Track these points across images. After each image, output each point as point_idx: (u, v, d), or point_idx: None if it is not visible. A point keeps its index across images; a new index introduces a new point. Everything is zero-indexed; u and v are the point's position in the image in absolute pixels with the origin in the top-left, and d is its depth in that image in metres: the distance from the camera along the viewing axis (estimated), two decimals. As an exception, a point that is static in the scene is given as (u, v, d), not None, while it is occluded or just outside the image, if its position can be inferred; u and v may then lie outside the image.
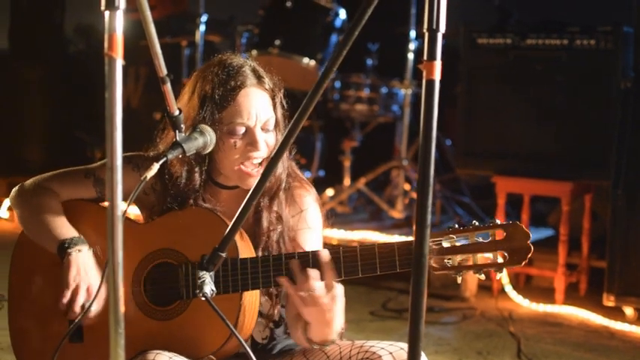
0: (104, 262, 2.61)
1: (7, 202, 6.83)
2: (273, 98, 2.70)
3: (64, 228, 2.69)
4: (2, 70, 8.15)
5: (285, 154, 2.72)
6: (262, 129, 2.65)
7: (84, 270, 2.63)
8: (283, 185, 2.76)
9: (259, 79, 2.68)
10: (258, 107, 2.64)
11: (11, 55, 8.28)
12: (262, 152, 2.64)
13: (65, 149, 8.10)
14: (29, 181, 2.82)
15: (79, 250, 2.64)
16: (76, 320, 2.58)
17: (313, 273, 2.43)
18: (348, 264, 2.47)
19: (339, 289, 2.45)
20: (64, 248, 2.63)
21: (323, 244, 2.85)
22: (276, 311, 2.79)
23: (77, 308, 2.60)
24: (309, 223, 2.79)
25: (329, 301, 2.43)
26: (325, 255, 2.44)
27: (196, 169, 2.68)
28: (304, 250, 2.69)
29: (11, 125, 8.21)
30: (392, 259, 2.45)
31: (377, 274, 2.47)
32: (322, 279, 2.43)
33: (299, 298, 2.45)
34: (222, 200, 2.75)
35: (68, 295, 2.61)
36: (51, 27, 8.44)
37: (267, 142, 2.66)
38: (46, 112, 8.34)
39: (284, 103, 2.75)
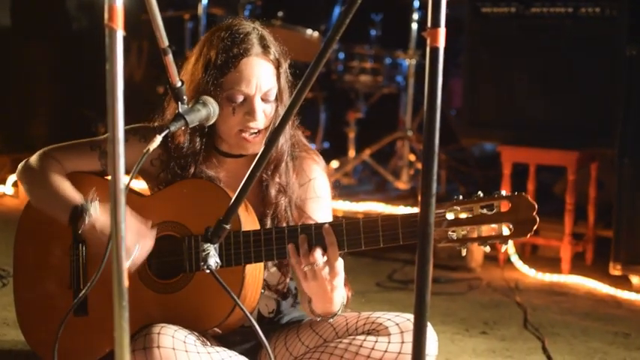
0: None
1: (11, 178, 6.82)
2: (277, 68, 2.69)
3: (74, 195, 2.66)
4: (5, 47, 8.12)
5: (288, 125, 2.70)
6: (262, 99, 2.64)
7: (104, 229, 2.57)
8: (285, 156, 2.75)
9: (265, 48, 2.66)
10: (260, 76, 2.62)
11: (14, 32, 8.25)
12: (259, 122, 2.63)
13: (69, 125, 8.08)
14: (34, 155, 2.81)
15: (96, 210, 2.59)
16: (81, 294, 2.58)
17: (317, 247, 2.43)
18: (350, 237, 2.46)
19: (340, 263, 2.45)
20: (79, 212, 2.58)
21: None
22: (284, 284, 2.79)
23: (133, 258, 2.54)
24: (318, 192, 2.79)
25: (329, 275, 2.44)
26: (327, 229, 2.44)
27: (197, 133, 2.68)
28: (312, 220, 2.69)
29: (15, 102, 8.19)
30: (395, 231, 2.44)
31: (380, 246, 2.46)
32: (324, 253, 2.43)
33: (301, 272, 2.45)
34: (227, 169, 2.75)
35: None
36: (53, 4, 8.41)
37: (265, 112, 2.64)
38: (50, 88, 8.32)
39: (289, 73, 2.74)
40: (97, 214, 2.58)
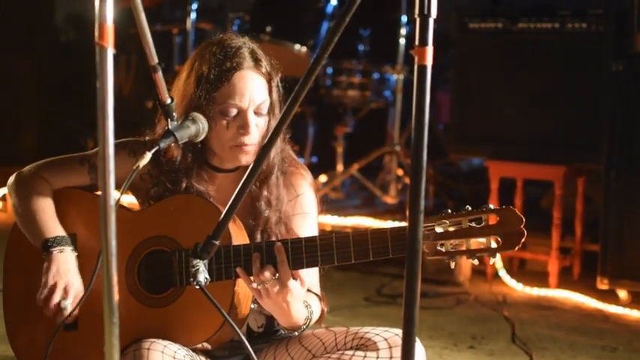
0: (98, 251, 2.61)
1: (1, 191, 6.81)
2: (269, 82, 2.70)
3: (50, 225, 2.70)
4: (-7, 60, 8.13)
5: (279, 139, 2.72)
6: (255, 112, 2.65)
7: (63, 269, 2.64)
8: (275, 170, 2.76)
9: (257, 62, 2.67)
10: (253, 90, 2.63)
11: (1, 45, 8.25)
12: (253, 136, 2.64)
13: (58, 138, 8.07)
14: (26, 168, 2.82)
15: (61, 251, 2.65)
16: (71, 309, 2.59)
17: (267, 266, 2.44)
18: (340, 250, 2.47)
19: (294, 284, 2.46)
20: (47, 246, 2.65)
21: (318, 230, 2.86)
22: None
23: (52, 306, 2.61)
24: (305, 208, 2.80)
25: (281, 293, 2.44)
26: (279, 248, 2.45)
27: (190, 147, 2.69)
28: (296, 236, 2.70)
29: (2, 115, 8.18)
30: (384, 244, 2.45)
31: (370, 259, 2.47)
32: (276, 272, 2.45)
33: (253, 290, 2.46)
34: (218, 184, 2.75)
35: (45, 292, 2.63)
36: (41, 16, 8.41)
37: (258, 125, 2.66)
38: (38, 101, 8.32)
39: (280, 87, 2.75)
40: (61, 255, 2.65)
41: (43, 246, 2.66)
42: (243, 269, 2.47)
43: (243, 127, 2.63)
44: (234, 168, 2.75)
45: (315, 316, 2.69)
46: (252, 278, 2.46)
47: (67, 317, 2.59)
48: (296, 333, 2.64)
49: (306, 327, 2.64)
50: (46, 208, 2.73)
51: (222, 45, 2.68)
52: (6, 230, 2.89)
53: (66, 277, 2.63)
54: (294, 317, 2.54)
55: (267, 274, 2.44)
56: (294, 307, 2.51)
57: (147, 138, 2.76)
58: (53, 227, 2.70)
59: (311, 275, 2.71)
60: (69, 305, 2.59)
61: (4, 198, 6.72)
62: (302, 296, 2.52)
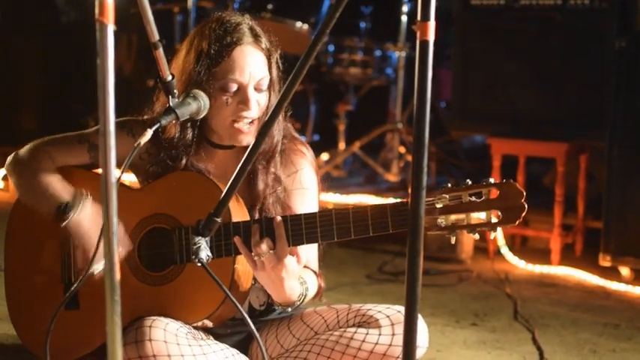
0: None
1: (1, 172, 6.80)
2: (268, 58, 2.70)
3: (59, 191, 2.68)
4: (-7, 41, 8.10)
5: (281, 117, 2.72)
6: (255, 88, 2.64)
7: (89, 227, 2.61)
8: (279, 147, 2.75)
9: (256, 37, 2.67)
10: (253, 65, 2.63)
11: (2, 26, 8.22)
12: (253, 112, 2.64)
13: (58, 118, 8.06)
14: (24, 148, 2.81)
15: (79, 211, 2.61)
16: (72, 288, 2.59)
17: (265, 239, 2.44)
18: (340, 226, 2.47)
19: (290, 260, 2.46)
20: (63, 212, 2.61)
21: (319, 207, 2.86)
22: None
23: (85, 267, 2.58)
24: (304, 184, 2.80)
25: (277, 268, 2.45)
26: (278, 222, 2.45)
27: (189, 124, 2.68)
28: (293, 212, 2.70)
29: (3, 95, 8.16)
30: (384, 220, 2.44)
31: (369, 235, 2.47)
32: (274, 246, 2.45)
33: (250, 261, 2.46)
34: (217, 160, 2.75)
35: (81, 256, 2.62)
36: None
37: (258, 101, 2.65)
38: (39, 81, 8.29)
39: (280, 64, 2.75)
40: (85, 212, 2.61)
41: (56, 215, 2.62)
42: (242, 242, 2.47)
43: (243, 102, 2.62)
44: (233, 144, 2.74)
45: (311, 293, 2.69)
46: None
47: (69, 296, 2.59)
48: (289, 309, 2.64)
49: (301, 303, 2.64)
50: (52, 177, 2.71)
51: (222, 21, 2.67)
52: (7, 210, 2.89)
53: (88, 239, 2.61)
54: (286, 293, 2.54)
55: (263, 246, 2.44)
56: (287, 284, 2.51)
57: (145, 117, 2.75)
58: (62, 192, 2.67)
59: (309, 252, 2.71)
60: (100, 267, 2.56)
61: (5, 178, 6.72)
62: (297, 273, 2.52)
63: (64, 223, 2.61)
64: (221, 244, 2.50)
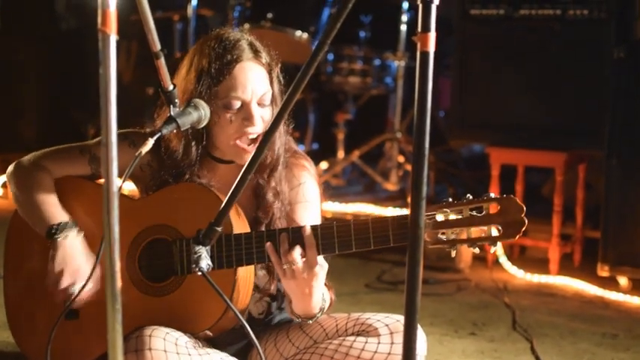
0: (99, 239, 2.61)
1: (1, 179, 6.81)
2: (269, 73, 2.70)
3: (53, 212, 2.71)
4: (-6, 48, 8.11)
5: (282, 130, 2.73)
6: (258, 104, 2.65)
7: (70, 255, 2.64)
8: (282, 160, 2.76)
9: (256, 53, 2.67)
10: (254, 81, 2.63)
11: (2, 33, 8.23)
12: (258, 127, 2.64)
13: (58, 126, 8.07)
14: (26, 158, 2.82)
15: (65, 237, 2.65)
16: (69, 302, 2.59)
17: (296, 247, 2.44)
18: (341, 239, 2.47)
19: (322, 268, 2.46)
20: (51, 234, 2.65)
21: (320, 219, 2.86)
22: (273, 286, 2.80)
23: (60, 293, 2.62)
24: (307, 197, 2.80)
25: (307, 276, 2.45)
26: (307, 231, 2.45)
27: (193, 144, 2.68)
28: (298, 224, 2.70)
29: (3, 103, 8.17)
30: (385, 233, 2.45)
31: (370, 248, 2.47)
32: (304, 254, 2.45)
33: (281, 270, 2.46)
34: (219, 175, 2.75)
35: (52, 280, 2.63)
36: (42, 3, 8.39)
37: (262, 117, 2.65)
38: (39, 89, 8.30)
39: (281, 77, 2.75)
40: (66, 241, 2.65)
41: (47, 234, 2.66)
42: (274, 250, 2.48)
43: (247, 118, 2.62)
44: (237, 158, 2.75)
45: (327, 305, 2.69)
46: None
47: (69, 305, 2.59)
48: (310, 321, 2.64)
49: (320, 316, 2.64)
50: (47, 197, 2.73)
51: (221, 39, 2.68)
52: (7, 217, 2.90)
53: (72, 262, 2.63)
54: (313, 304, 2.54)
55: (295, 254, 2.43)
56: (316, 294, 2.51)
57: (147, 130, 2.76)
58: (56, 214, 2.70)
59: None
60: (76, 291, 2.59)
61: (4, 185, 6.72)
62: (323, 283, 2.52)
63: (52, 243, 2.65)
64: (222, 255, 2.50)
